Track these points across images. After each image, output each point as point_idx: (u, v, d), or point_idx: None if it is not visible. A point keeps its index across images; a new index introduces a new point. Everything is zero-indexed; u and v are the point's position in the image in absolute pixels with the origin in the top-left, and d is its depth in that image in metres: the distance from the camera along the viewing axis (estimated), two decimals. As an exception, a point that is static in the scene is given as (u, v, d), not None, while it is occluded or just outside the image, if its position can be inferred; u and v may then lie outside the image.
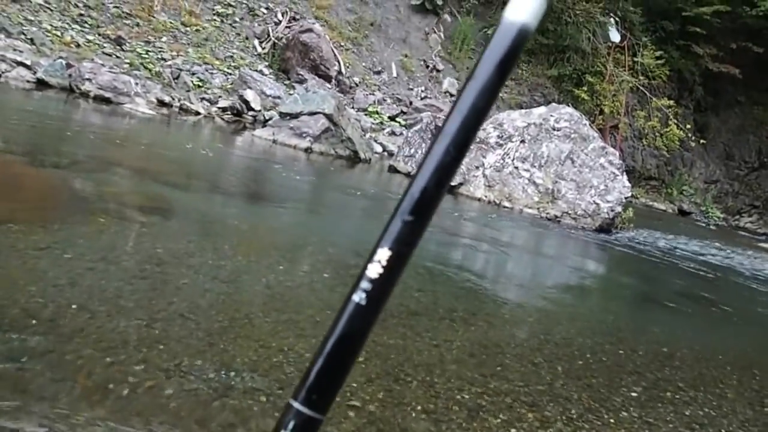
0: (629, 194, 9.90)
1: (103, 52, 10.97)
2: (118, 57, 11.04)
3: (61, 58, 9.88)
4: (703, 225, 17.19)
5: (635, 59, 18.20)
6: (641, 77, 17.99)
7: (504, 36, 0.39)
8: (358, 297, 0.39)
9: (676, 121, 17.87)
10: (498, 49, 0.39)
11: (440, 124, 0.41)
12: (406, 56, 16.81)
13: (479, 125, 0.40)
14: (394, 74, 16.17)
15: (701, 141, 19.14)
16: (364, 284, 0.40)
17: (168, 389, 2.09)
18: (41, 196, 4.24)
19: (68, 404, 1.88)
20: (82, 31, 11.31)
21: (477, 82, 0.39)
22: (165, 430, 1.88)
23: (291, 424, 0.40)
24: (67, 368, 2.07)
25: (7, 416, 1.76)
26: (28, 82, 9.12)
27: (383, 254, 0.40)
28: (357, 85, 14.80)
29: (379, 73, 15.91)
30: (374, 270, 0.40)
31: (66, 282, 2.71)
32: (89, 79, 9.48)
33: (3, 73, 9.03)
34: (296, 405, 0.40)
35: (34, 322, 2.30)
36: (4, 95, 8.37)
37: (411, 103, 15.18)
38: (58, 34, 10.81)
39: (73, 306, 2.48)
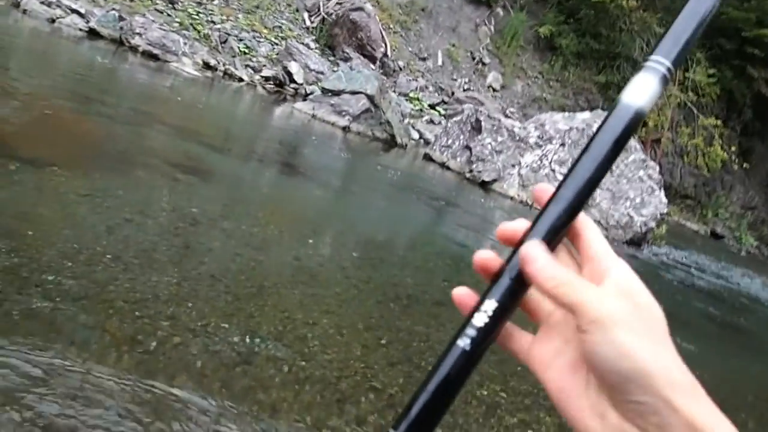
0: (665, 210, 9.72)
1: (156, 9, 11.04)
2: (169, 15, 11.11)
3: (114, 9, 9.96)
4: (735, 251, 16.85)
5: (687, 74, 17.78)
6: (690, 93, 17.58)
7: (620, 117, 0.43)
8: (463, 343, 0.42)
9: (720, 142, 17.46)
10: (614, 128, 0.43)
11: (560, 184, 0.44)
12: (453, 46, 16.64)
13: (590, 195, 0.43)
14: (440, 62, 16.03)
15: (744, 165, 18.65)
16: (470, 331, 0.42)
17: (193, 348, 2.11)
18: (85, 143, 4.29)
19: (97, 352, 1.91)
20: (137, -15, 11.39)
21: (592, 156, 0.43)
22: (188, 388, 1.90)
23: None
24: (98, 315, 2.09)
25: (46, 353, 1.79)
26: (80, 30, 9.22)
27: (490, 305, 0.42)
28: (401, 70, 14.70)
29: (424, 59, 15.79)
30: (480, 319, 0.42)
31: (103, 230, 2.74)
32: (140, 34, 9.56)
33: (57, 18, 9.14)
34: None
35: (69, 264, 2.33)
36: (57, 42, 8.47)
37: (453, 93, 15.05)
38: (114, -15, 10.89)
39: (108, 255, 2.51)
